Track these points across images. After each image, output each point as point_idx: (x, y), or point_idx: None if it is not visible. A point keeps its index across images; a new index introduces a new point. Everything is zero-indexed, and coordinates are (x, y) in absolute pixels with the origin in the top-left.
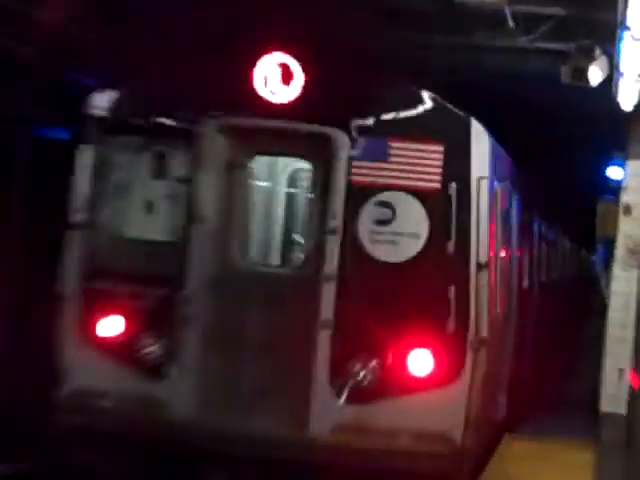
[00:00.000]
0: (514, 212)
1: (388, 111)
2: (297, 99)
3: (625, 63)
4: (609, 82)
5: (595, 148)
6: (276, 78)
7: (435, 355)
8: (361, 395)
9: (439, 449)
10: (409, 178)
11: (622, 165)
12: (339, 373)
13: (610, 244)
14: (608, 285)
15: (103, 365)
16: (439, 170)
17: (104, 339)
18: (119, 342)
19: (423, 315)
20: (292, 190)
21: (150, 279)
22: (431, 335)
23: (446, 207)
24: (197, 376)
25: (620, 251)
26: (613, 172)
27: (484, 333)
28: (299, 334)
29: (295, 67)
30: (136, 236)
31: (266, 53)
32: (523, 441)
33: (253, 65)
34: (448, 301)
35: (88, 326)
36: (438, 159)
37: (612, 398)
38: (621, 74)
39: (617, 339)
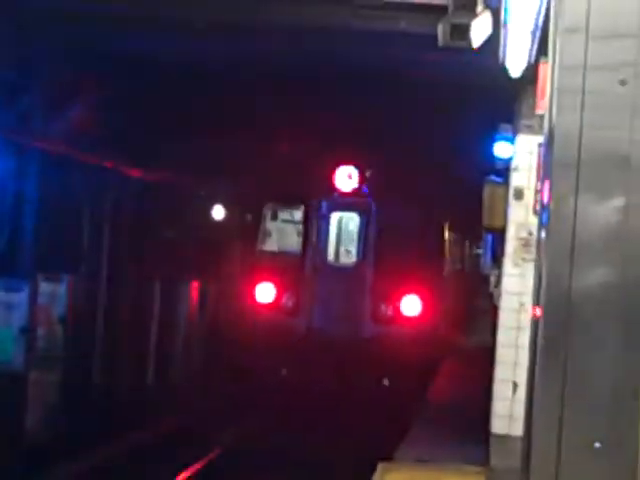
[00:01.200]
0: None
1: (392, 193)
2: (354, 188)
3: (513, 19)
4: (494, 43)
5: (479, 121)
6: (344, 178)
7: (421, 300)
8: (384, 320)
9: (427, 341)
10: (402, 220)
11: (511, 141)
12: (374, 310)
13: (500, 235)
14: (498, 284)
15: (264, 311)
16: (417, 217)
17: (262, 301)
18: (272, 299)
19: (414, 284)
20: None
21: (290, 269)
22: (417, 293)
23: (422, 234)
24: (311, 313)
25: (511, 243)
26: (501, 149)
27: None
28: (357, 292)
29: (354, 173)
30: (284, 250)
31: (339, 166)
32: (401, 471)
33: (333, 172)
34: (427, 277)
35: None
36: (416, 213)
37: (504, 418)
38: (508, 32)
39: (510, 346)
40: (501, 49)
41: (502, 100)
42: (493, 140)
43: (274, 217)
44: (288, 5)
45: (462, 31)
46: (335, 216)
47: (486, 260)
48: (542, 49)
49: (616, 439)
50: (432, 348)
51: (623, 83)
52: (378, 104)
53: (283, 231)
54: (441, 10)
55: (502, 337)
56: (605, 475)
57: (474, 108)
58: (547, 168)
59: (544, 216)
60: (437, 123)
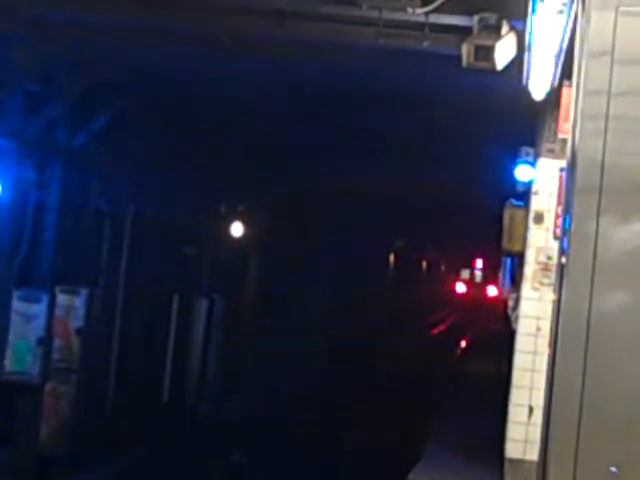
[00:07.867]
0: None
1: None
2: (479, 267)
3: (538, 42)
4: (517, 65)
5: (500, 144)
6: (477, 262)
7: (496, 290)
8: (486, 296)
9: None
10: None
11: (532, 164)
12: (484, 294)
13: (519, 258)
14: (516, 308)
15: (461, 294)
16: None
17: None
18: (464, 291)
19: (493, 285)
20: None
21: (466, 283)
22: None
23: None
24: (471, 294)
25: (530, 267)
26: (522, 173)
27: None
28: (481, 289)
29: (480, 261)
30: (465, 278)
31: (475, 254)
32: None
33: (474, 259)
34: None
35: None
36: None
37: (519, 442)
38: (532, 55)
39: (526, 370)
40: (525, 72)
41: (524, 123)
42: (514, 163)
43: (462, 270)
44: (310, 22)
45: (486, 52)
46: (475, 272)
47: (505, 283)
48: (565, 72)
49: (632, 463)
50: (499, 302)
51: None
52: (396, 128)
53: (465, 275)
54: (465, 31)
55: (518, 361)
56: None
57: (496, 131)
58: (569, 192)
59: (565, 240)
60: (458, 148)
